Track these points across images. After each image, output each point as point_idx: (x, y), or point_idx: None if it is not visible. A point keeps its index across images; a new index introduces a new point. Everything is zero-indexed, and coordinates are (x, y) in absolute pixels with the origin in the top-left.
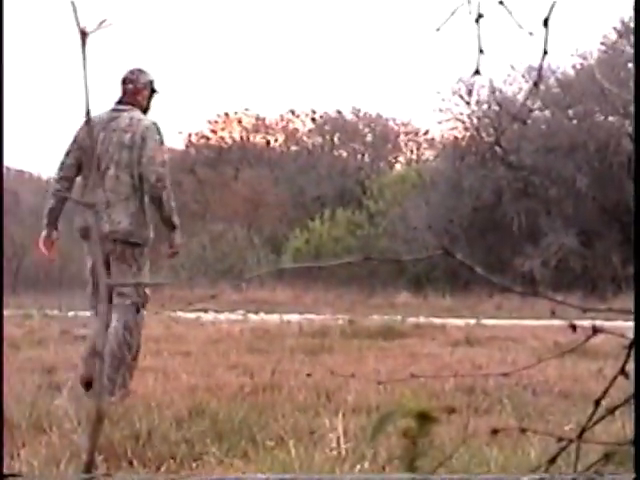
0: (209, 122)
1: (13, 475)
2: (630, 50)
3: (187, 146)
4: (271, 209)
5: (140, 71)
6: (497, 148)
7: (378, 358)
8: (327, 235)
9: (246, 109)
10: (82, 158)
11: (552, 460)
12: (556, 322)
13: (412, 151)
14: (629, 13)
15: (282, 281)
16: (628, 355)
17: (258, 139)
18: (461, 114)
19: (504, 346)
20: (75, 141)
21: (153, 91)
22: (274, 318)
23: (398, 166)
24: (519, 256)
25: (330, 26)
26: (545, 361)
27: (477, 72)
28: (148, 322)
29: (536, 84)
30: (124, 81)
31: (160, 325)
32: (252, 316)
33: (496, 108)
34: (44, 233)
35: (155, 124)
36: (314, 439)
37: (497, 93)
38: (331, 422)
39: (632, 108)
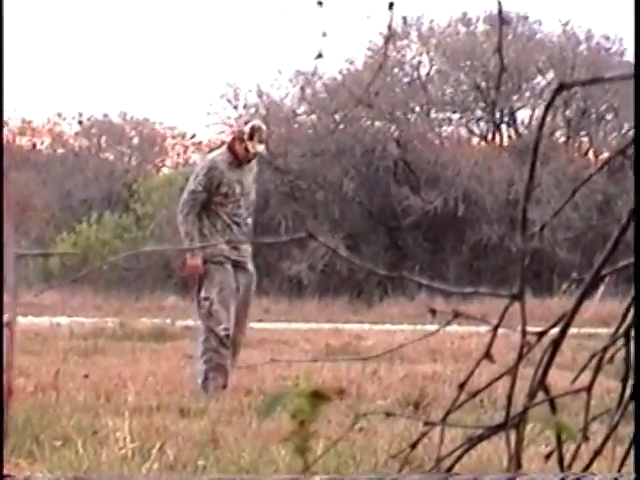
0: None
1: (12, 475)
2: (396, 55)
3: None
4: (38, 212)
5: (249, 122)
6: (264, 152)
7: (152, 360)
8: (95, 238)
9: (13, 110)
10: None
11: (414, 445)
12: (326, 325)
13: (179, 154)
14: (396, 17)
15: (49, 284)
16: (492, 337)
17: (24, 142)
18: (229, 118)
19: (276, 348)
20: None
21: (252, 138)
22: (43, 321)
23: (165, 169)
24: (286, 259)
25: (95, 28)
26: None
27: (320, 55)
28: None
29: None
30: None
31: None
32: (20, 319)
33: (263, 112)
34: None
35: (208, 159)
36: (99, 439)
37: (264, 97)
38: (113, 422)
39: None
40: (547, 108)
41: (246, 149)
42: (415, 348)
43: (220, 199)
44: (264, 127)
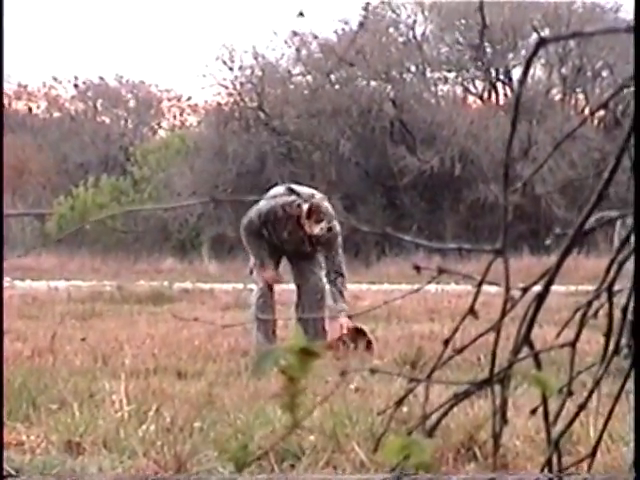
0: None
1: (12, 475)
2: (391, 15)
3: None
4: (35, 176)
5: (312, 199)
6: (260, 113)
7: (150, 323)
8: (91, 202)
9: (8, 76)
10: None
11: (400, 401)
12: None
13: (175, 117)
14: None
15: (46, 248)
16: (477, 293)
17: (20, 106)
18: (224, 80)
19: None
20: None
21: (309, 218)
22: (41, 285)
23: (161, 132)
24: None
25: None
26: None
27: (301, 14)
28: None
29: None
30: None
31: None
32: (18, 283)
33: (259, 73)
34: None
35: (272, 203)
36: (95, 402)
37: (260, 59)
38: (110, 385)
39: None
40: (528, 62)
41: (304, 226)
42: (413, 308)
43: (271, 231)
44: (325, 205)
